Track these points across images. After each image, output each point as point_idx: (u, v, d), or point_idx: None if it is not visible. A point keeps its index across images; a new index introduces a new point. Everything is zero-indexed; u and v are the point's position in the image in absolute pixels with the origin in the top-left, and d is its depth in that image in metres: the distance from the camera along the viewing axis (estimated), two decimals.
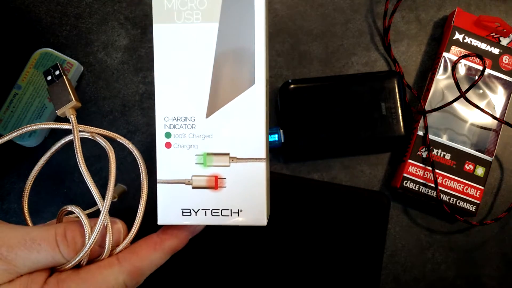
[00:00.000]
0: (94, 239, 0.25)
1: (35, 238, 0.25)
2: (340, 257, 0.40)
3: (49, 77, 0.29)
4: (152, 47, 0.45)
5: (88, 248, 0.25)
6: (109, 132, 0.29)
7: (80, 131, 0.28)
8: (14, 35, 0.45)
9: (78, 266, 0.26)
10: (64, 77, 0.29)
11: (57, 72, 0.29)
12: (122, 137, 0.29)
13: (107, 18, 0.45)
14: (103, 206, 0.26)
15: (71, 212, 0.27)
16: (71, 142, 0.28)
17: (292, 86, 0.42)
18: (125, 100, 0.44)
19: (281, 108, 0.43)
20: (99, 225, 0.26)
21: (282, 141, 0.42)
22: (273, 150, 0.43)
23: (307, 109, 0.42)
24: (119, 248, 0.27)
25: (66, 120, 0.29)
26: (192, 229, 0.29)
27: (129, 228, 0.28)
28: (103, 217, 0.26)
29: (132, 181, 0.43)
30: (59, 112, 0.28)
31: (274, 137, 0.42)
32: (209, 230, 0.40)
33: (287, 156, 0.43)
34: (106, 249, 0.26)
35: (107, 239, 0.26)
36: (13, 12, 0.45)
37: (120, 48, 0.45)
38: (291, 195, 0.41)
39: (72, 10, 0.45)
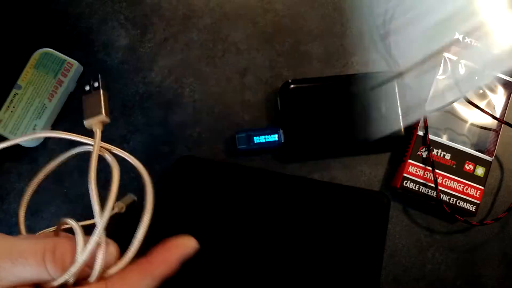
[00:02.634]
0: (85, 260, 0.24)
1: (23, 251, 0.23)
2: (340, 257, 0.40)
3: (87, 87, 0.29)
4: (152, 47, 0.45)
5: (78, 269, 0.24)
6: (123, 151, 0.28)
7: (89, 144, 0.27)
8: (14, 35, 0.45)
9: (64, 284, 0.25)
10: (102, 90, 0.28)
11: (96, 84, 0.28)
12: (135, 159, 0.28)
13: (107, 18, 0.45)
14: (100, 224, 0.25)
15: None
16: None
17: (292, 86, 0.42)
18: (125, 100, 0.44)
19: (281, 108, 0.43)
20: (92, 245, 0.24)
21: (282, 141, 0.42)
22: (273, 150, 0.43)
23: (307, 109, 0.42)
24: (111, 272, 0.26)
25: (81, 131, 0.28)
26: (183, 252, 0.27)
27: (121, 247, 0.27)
28: (96, 236, 0.24)
29: (131, 181, 0.43)
30: (86, 123, 0.28)
31: (274, 137, 0.42)
32: (206, 230, 0.40)
33: (287, 156, 0.43)
34: (96, 272, 0.25)
35: (99, 262, 0.25)
36: (13, 12, 0.45)
37: (120, 48, 0.45)
38: (292, 195, 0.41)
39: (72, 10, 0.45)
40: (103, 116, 0.28)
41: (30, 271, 0.23)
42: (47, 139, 0.43)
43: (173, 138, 0.44)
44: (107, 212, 0.25)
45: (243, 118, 0.44)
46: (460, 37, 0.44)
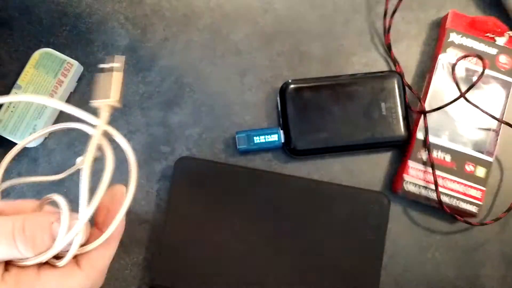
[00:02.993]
0: (63, 247, 0.24)
1: None
2: (340, 257, 0.40)
3: (103, 65, 0.27)
4: (152, 47, 0.45)
5: (55, 253, 0.24)
6: (123, 140, 0.27)
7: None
8: (14, 35, 0.45)
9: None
10: (117, 72, 0.26)
11: (116, 64, 0.27)
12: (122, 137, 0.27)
13: (107, 18, 0.45)
14: (84, 216, 0.25)
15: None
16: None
17: (292, 86, 0.42)
18: (125, 100, 0.44)
19: (281, 108, 0.43)
20: (73, 234, 0.24)
21: (282, 141, 0.42)
22: (273, 150, 0.43)
23: (307, 109, 0.42)
24: (88, 248, 0.25)
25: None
26: (125, 205, 0.27)
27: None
28: (78, 228, 0.24)
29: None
30: (94, 104, 0.26)
31: (274, 137, 0.42)
32: (206, 230, 0.40)
33: (287, 156, 0.43)
34: (69, 257, 0.25)
35: (73, 249, 0.25)
36: (13, 12, 0.45)
37: (120, 48, 0.45)
38: (291, 195, 0.41)
39: (72, 10, 0.45)
40: (112, 100, 0.26)
41: (0, 250, 0.23)
42: (47, 139, 0.43)
43: (173, 138, 0.44)
44: (94, 204, 0.25)
45: (243, 118, 0.44)
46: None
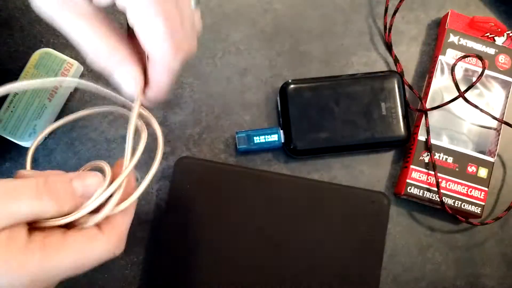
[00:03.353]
0: (97, 205, 0.25)
1: (16, 187, 0.23)
2: (340, 257, 0.40)
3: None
4: None
5: (94, 207, 0.25)
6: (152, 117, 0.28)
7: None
8: (14, 35, 0.45)
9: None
10: None
11: None
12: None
13: None
14: (127, 167, 0.25)
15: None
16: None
17: (292, 86, 0.42)
18: None
19: (281, 108, 0.43)
20: (116, 187, 0.25)
21: (282, 141, 0.42)
22: (273, 150, 0.43)
23: (307, 109, 0.42)
24: (117, 209, 0.26)
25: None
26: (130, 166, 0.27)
27: None
28: (122, 179, 0.25)
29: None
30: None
31: (274, 137, 0.42)
32: (206, 230, 0.40)
33: (287, 156, 0.43)
34: (106, 209, 0.25)
35: (114, 200, 0.25)
36: (13, 12, 0.45)
37: None
38: (291, 195, 0.41)
39: None
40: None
41: (26, 206, 0.23)
42: (47, 139, 0.43)
43: (173, 138, 0.44)
44: (131, 165, 0.26)
45: (243, 118, 0.44)
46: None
